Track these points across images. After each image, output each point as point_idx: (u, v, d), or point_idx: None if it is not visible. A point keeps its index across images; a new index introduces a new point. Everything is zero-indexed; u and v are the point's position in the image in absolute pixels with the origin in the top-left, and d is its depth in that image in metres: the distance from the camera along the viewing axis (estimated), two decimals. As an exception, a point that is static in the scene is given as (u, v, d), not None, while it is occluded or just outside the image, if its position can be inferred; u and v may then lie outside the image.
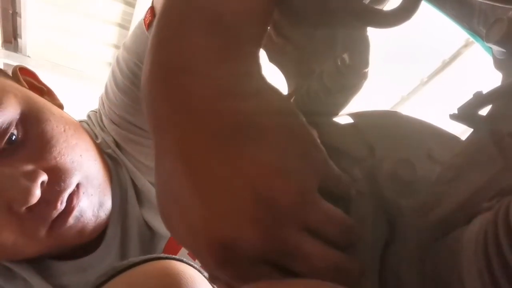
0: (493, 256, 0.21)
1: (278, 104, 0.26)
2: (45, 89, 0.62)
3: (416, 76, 2.52)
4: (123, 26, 2.39)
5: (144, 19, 0.62)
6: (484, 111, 0.29)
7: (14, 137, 0.50)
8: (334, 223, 0.26)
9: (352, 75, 0.25)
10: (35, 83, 0.61)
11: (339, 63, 0.25)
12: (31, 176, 0.47)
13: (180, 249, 0.58)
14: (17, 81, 0.58)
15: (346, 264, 0.26)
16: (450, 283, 0.25)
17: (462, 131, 0.33)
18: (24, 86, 0.58)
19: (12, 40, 2.51)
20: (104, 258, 0.59)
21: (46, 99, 0.59)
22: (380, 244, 0.28)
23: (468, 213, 0.27)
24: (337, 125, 0.32)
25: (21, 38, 2.48)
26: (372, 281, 0.27)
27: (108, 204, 0.58)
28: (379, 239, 0.28)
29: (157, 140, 0.28)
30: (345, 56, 0.25)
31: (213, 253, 0.25)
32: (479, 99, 0.28)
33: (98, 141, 0.66)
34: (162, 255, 0.44)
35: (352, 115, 0.33)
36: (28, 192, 0.46)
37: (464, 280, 0.24)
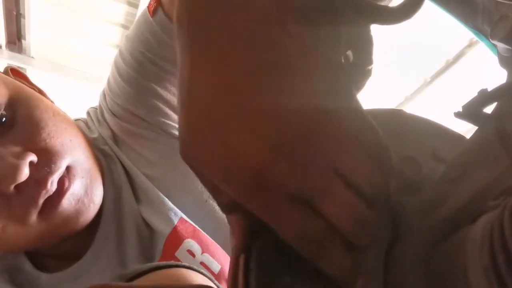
0: (498, 255, 0.21)
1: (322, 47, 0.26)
2: (36, 89, 0.62)
3: (419, 76, 2.52)
4: (126, 27, 2.40)
5: (148, 7, 0.62)
6: (489, 109, 0.29)
7: (4, 119, 0.50)
8: (364, 171, 0.26)
9: (356, 72, 0.25)
10: (26, 83, 0.61)
11: (342, 61, 0.25)
12: (20, 155, 0.48)
13: (179, 247, 0.58)
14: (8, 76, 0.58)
15: (369, 220, 0.26)
16: (455, 282, 0.25)
17: (467, 130, 0.33)
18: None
19: (16, 41, 2.52)
20: (95, 261, 0.58)
21: None
22: (385, 243, 0.28)
23: (474, 212, 0.26)
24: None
25: (25, 39, 2.49)
26: (377, 281, 0.27)
27: (100, 190, 0.57)
28: (384, 238, 0.28)
29: (195, 54, 0.26)
30: (349, 53, 0.25)
31: (247, 179, 0.25)
32: (484, 97, 0.28)
33: (95, 136, 0.66)
34: (172, 262, 0.43)
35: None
36: (15, 169, 0.46)
37: (470, 279, 0.23)
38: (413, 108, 2.55)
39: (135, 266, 0.43)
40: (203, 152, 0.26)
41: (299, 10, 0.24)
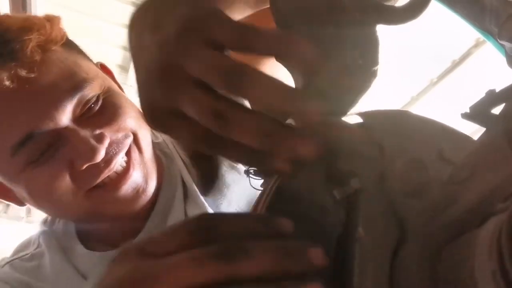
0: (506, 258, 0.21)
1: None
2: (118, 85, 0.69)
3: (425, 76, 2.51)
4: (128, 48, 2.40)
5: None
6: (497, 110, 0.29)
7: (97, 105, 0.58)
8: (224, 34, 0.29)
9: (362, 73, 0.25)
10: (111, 79, 0.68)
11: (348, 62, 0.25)
12: (100, 139, 0.55)
13: None
14: None
15: (231, 65, 0.28)
16: (462, 285, 0.24)
17: (474, 131, 0.33)
18: None
19: (23, 41, 2.53)
20: None
21: None
22: (392, 245, 0.28)
23: (482, 214, 0.26)
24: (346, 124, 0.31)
25: (31, 40, 2.50)
26: (383, 283, 0.27)
27: (153, 184, 0.62)
28: (390, 240, 0.28)
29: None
30: (355, 54, 0.25)
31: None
32: (492, 98, 0.28)
33: (159, 141, 0.73)
34: None
35: (361, 114, 0.33)
36: (94, 152, 0.54)
37: (477, 282, 0.23)
38: (419, 109, 2.54)
39: None
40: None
41: None
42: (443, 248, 0.27)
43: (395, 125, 0.33)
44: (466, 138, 0.34)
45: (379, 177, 0.30)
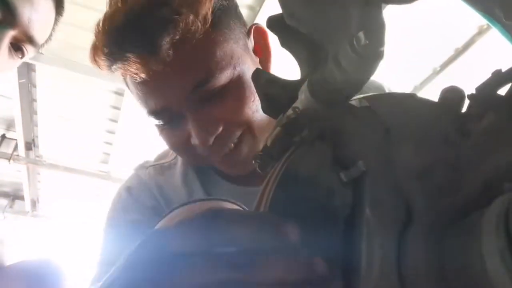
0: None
1: None
2: (267, 52, 0.72)
3: (429, 65, 2.49)
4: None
5: None
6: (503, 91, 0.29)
7: (217, 94, 0.62)
8: None
9: (368, 54, 0.25)
10: (262, 44, 0.71)
11: (354, 43, 0.25)
12: (212, 129, 0.62)
13: None
14: (247, 38, 0.69)
15: None
16: (469, 264, 0.24)
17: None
18: (249, 48, 0.69)
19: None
20: None
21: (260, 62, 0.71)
22: (398, 227, 0.28)
23: (489, 195, 0.26)
24: (352, 107, 0.31)
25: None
26: (391, 264, 0.27)
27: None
28: (397, 221, 0.28)
29: None
30: (360, 35, 0.25)
31: None
32: (498, 78, 0.28)
33: None
34: (215, 197, 0.53)
35: (367, 98, 0.33)
36: (204, 140, 0.62)
37: (485, 261, 0.23)
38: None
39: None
40: None
41: None
42: (450, 229, 0.27)
43: (401, 108, 0.33)
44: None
45: (385, 159, 0.30)
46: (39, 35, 0.76)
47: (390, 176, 0.29)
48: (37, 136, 3.66)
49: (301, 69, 0.35)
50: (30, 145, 3.73)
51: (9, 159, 3.84)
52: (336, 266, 0.27)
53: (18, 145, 3.69)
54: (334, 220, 0.28)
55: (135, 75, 0.59)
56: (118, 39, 0.58)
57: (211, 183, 0.72)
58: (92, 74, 2.64)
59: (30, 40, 0.75)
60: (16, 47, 0.75)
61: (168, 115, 0.63)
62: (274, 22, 0.34)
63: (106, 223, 0.71)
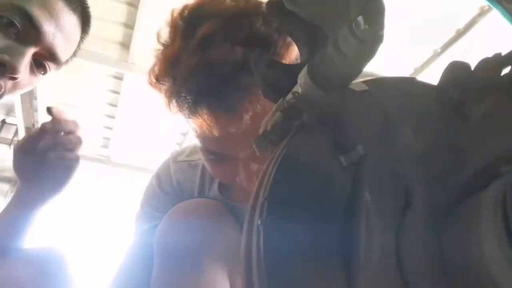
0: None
1: None
2: None
3: (429, 47, 2.47)
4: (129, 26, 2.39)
5: None
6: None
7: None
8: None
9: (367, 38, 0.25)
10: None
11: (354, 27, 0.25)
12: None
13: None
14: None
15: None
16: (467, 246, 0.25)
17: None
18: None
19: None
20: None
21: None
22: (398, 211, 0.28)
23: (487, 177, 0.26)
24: (352, 92, 0.31)
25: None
26: (390, 249, 0.27)
27: None
28: (396, 205, 0.28)
29: None
30: (360, 19, 0.25)
31: None
32: (499, 61, 0.28)
33: None
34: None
35: (367, 81, 0.33)
36: (250, 187, 0.65)
37: (482, 242, 0.23)
38: (423, 80, 2.51)
39: None
40: None
41: None
42: (448, 212, 0.28)
43: (401, 92, 0.33)
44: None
45: (384, 143, 0.30)
46: (62, 53, 0.74)
47: (389, 159, 0.29)
48: (37, 121, 3.66)
49: (300, 54, 0.35)
50: (30, 130, 3.73)
51: (9, 144, 3.85)
52: (336, 252, 0.27)
53: (19, 130, 3.69)
54: (334, 204, 0.28)
55: (206, 131, 0.61)
56: (198, 97, 0.59)
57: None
58: (91, 58, 2.63)
59: (53, 58, 0.73)
60: (39, 63, 0.72)
61: (223, 155, 0.66)
62: (274, 7, 0.34)
63: (142, 198, 0.85)
